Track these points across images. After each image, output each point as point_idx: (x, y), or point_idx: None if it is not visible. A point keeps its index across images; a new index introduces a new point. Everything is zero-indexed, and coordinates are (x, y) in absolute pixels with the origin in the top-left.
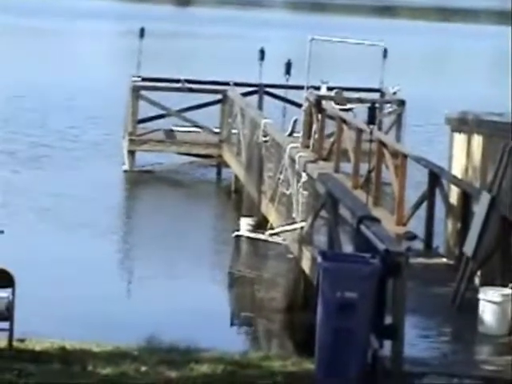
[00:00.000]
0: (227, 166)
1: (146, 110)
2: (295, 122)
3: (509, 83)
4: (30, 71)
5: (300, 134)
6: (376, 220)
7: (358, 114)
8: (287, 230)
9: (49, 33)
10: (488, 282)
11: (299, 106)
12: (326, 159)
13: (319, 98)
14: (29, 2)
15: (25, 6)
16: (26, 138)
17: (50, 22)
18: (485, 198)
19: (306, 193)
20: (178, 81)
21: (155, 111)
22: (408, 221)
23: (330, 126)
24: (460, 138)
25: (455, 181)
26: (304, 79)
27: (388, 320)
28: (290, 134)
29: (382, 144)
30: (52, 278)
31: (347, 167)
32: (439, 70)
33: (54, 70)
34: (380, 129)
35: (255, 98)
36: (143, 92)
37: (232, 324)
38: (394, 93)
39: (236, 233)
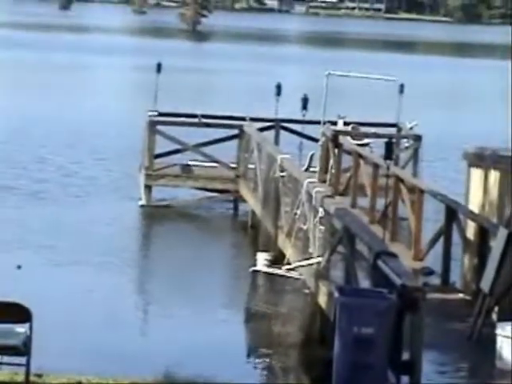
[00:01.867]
0: (244, 201)
1: (162, 144)
2: (312, 156)
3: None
4: (48, 106)
5: (317, 169)
6: (393, 255)
7: (375, 149)
8: (304, 265)
9: (67, 68)
10: (506, 317)
11: (316, 140)
12: (342, 194)
13: (336, 133)
14: (47, 37)
15: (43, 41)
16: (37, 175)
17: (67, 56)
18: (502, 234)
19: (322, 228)
20: (194, 116)
21: (172, 146)
22: (425, 256)
23: (347, 161)
24: (477, 173)
25: (472, 216)
26: (320, 114)
27: (405, 355)
28: (307, 169)
29: (399, 179)
30: (68, 313)
31: (364, 202)
32: (456, 105)
33: (71, 105)
34: (397, 164)
35: (272, 133)
36: (160, 127)
37: (249, 359)
38: (411, 128)
39: (253, 268)
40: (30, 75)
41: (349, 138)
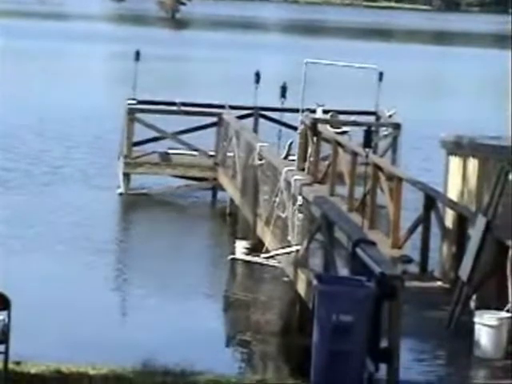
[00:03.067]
0: (222, 189)
1: (141, 132)
2: (290, 144)
3: (507, 106)
4: (24, 93)
5: (295, 157)
6: (371, 243)
7: (354, 137)
8: (283, 253)
9: (44, 55)
10: (483, 305)
11: (295, 128)
12: (321, 182)
13: (315, 121)
14: (24, 23)
15: (19, 28)
16: (19, 159)
17: (45, 43)
18: (480, 222)
19: (301, 216)
20: (173, 103)
21: (150, 134)
22: (403, 244)
23: (326, 149)
24: (456, 162)
25: (451, 204)
26: (299, 102)
27: (383, 343)
28: (286, 157)
29: (378, 167)
30: (46, 301)
31: (343, 190)
32: (435, 93)
33: (48, 92)
34: (375, 152)
35: (251, 120)
36: (138, 115)
37: (227, 347)
38: (390, 116)
39: (231, 256)
40: (8, 62)
41: (328, 126)
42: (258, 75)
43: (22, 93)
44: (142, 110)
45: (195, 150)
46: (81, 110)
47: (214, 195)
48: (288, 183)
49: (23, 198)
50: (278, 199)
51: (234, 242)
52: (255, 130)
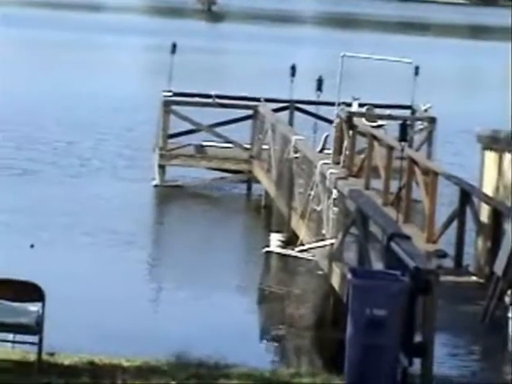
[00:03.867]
0: (257, 181)
1: (176, 124)
2: (326, 138)
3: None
4: (63, 85)
5: (331, 151)
6: (406, 237)
7: (389, 131)
8: (317, 247)
9: (80, 47)
10: None
11: (330, 122)
12: (356, 176)
13: (350, 115)
14: (60, 15)
15: (56, 20)
16: (54, 151)
17: (81, 36)
18: None
19: (336, 209)
20: (209, 96)
21: (186, 126)
22: (438, 238)
23: (361, 143)
24: (491, 156)
25: (486, 199)
26: (335, 96)
27: (418, 338)
28: (321, 151)
29: (413, 161)
30: (81, 293)
31: (378, 184)
32: (470, 88)
33: (85, 85)
34: (411, 146)
35: (286, 114)
36: (174, 107)
37: (261, 340)
38: (426, 110)
39: (266, 249)
40: (45, 54)
41: (363, 119)
42: (293, 68)
43: (55, 84)
44: (178, 103)
45: (230, 143)
46: (116, 102)
47: (249, 188)
48: (323, 176)
49: (56, 189)
50: (313, 192)
51: (269, 235)
52: (291, 123)
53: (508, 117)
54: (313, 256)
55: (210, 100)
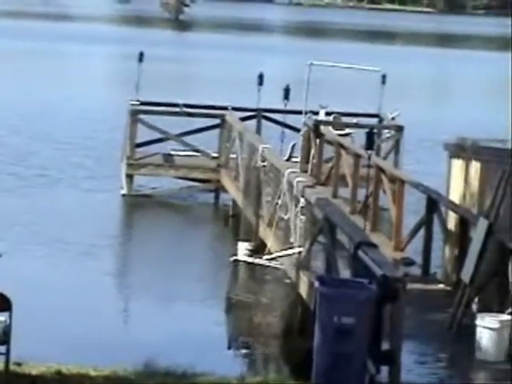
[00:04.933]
0: (225, 190)
1: (144, 133)
2: (293, 146)
3: (508, 109)
4: (27, 94)
5: (298, 159)
6: (373, 245)
7: (356, 139)
8: (285, 255)
9: (47, 56)
10: (485, 308)
11: (297, 130)
12: (324, 184)
13: (317, 123)
14: (27, 24)
15: (25, 30)
16: (20, 163)
17: (49, 45)
18: (482, 224)
19: (303, 218)
20: (176, 105)
21: (154, 135)
22: (406, 246)
23: (329, 151)
24: (458, 164)
25: (453, 207)
26: (302, 104)
27: (385, 345)
28: (288, 159)
29: (380, 169)
30: (48, 302)
31: (345, 192)
32: (438, 96)
33: (51, 94)
34: (378, 154)
35: (253, 122)
36: (141, 116)
37: (229, 348)
38: (393, 118)
39: (234, 257)
40: (10, 63)
41: (330, 128)
42: (261, 77)
43: (19, 94)
44: (145, 112)
45: (198, 152)
46: (82, 111)
47: (217, 197)
48: (290, 185)
49: (25, 200)
50: (280, 201)
51: (237, 244)
52: (258, 132)
53: (476, 125)
54: (280, 264)
55: (177, 109)
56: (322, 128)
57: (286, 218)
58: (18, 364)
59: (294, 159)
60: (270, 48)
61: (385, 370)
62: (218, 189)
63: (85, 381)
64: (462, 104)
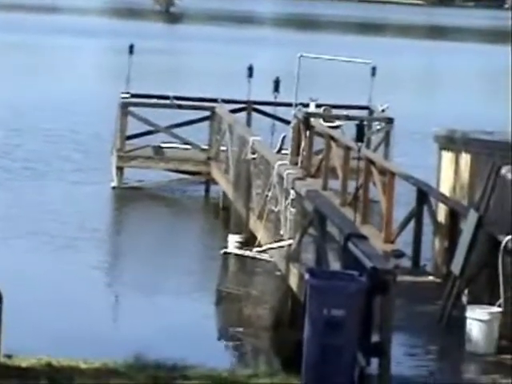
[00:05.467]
0: (215, 183)
1: (134, 126)
2: (283, 139)
3: (506, 100)
4: (18, 87)
5: (288, 151)
6: (364, 237)
7: (346, 132)
8: (275, 247)
9: (38, 49)
10: (475, 300)
11: (288, 123)
12: (314, 176)
13: (308, 116)
14: (17, 17)
15: (13, 22)
16: (13, 154)
17: (38, 37)
18: (472, 217)
19: (293, 210)
20: (166, 97)
21: (144, 127)
22: (396, 238)
23: (319, 143)
24: (448, 156)
25: (443, 199)
26: (292, 96)
27: (375, 338)
28: (279, 151)
29: (370, 161)
30: (38, 295)
31: (335, 184)
32: (428, 88)
33: (41, 86)
34: (368, 146)
35: (243, 114)
36: (132, 108)
37: (219, 341)
38: (383, 110)
39: (224, 250)
40: (1, 56)
41: (320, 120)
42: (251, 69)
43: (8, 86)
44: (136, 104)
45: (188, 144)
46: (72, 104)
47: (207, 189)
48: (281, 177)
49: (13, 194)
50: (270, 193)
51: (227, 236)
52: (248, 124)
53: (467, 116)
54: (271, 257)
55: (167, 101)
56: (312, 120)
57: (276, 210)
58: (8, 356)
59: (284, 151)
60: (260, 40)
61: (375, 362)
62: (209, 181)
63: (75, 373)
64: (452, 96)
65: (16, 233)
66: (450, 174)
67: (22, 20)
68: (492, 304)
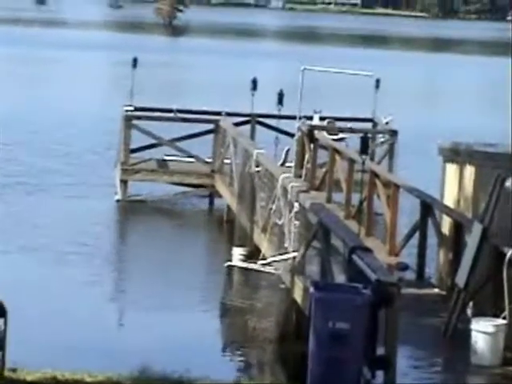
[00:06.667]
0: (220, 196)
1: (138, 139)
2: (287, 151)
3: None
4: (22, 100)
5: (292, 164)
6: (368, 250)
7: (350, 144)
8: (279, 260)
9: (43, 62)
10: (480, 312)
11: (292, 135)
12: (318, 189)
13: (312, 128)
14: (22, 31)
15: (19, 36)
16: (17, 167)
17: (43, 51)
18: (476, 229)
19: (298, 223)
20: (170, 110)
21: (148, 141)
22: (400, 251)
23: (323, 156)
24: (452, 169)
25: (447, 211)
26: (296, 109)
27: (380, 350)
28: (283, 164)
29: (374, 174)
30: (43, 308)
31: (339, 197)
32: (432, 100)
33: (45, 99)
34: (372, 159)
35: (247, 127)
36: (136, 121)
37: (224, 354)
38: (387, 123)
39: (228, 263)
40: (5, 69)
41: (324, 132)
42: (254, 82)
43: (12, 100)
44: (139, 117)
45: (192, 157)
46: (77, 117)
47: (211, 202)
48: (285, 190)
49: (17, 207)
50: (274, 206)
51: (231, 249)
52: (252, 137)
53: (471, 129)
54: (275, 270)
55: (171, 114)
56: (316, 133)
57: (280, 223)
58: (13, 370)
59: (288, 164)
60: (263, 53)
61: (380, 374)
62: (213, 194)
63: None
64: (455, 108)
65: (21, 247)
66: (454, 187)
67: (25, 33)
68: (497, 316)
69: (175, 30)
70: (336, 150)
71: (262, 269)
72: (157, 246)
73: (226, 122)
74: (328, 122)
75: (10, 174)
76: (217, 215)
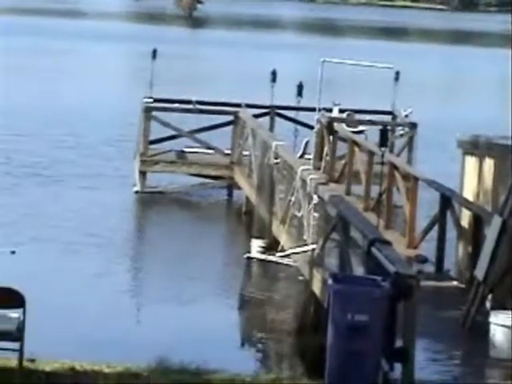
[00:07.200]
0: (238, 187)
1: (157, 130)
2: (307, 143)
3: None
4: (42, 91)
5: (311, 156)
6: (387, 243)
7: (370, 137)
8: (298, 252)
9: (62, 53)
10: (499, 305)
11: (311, 127)
12: (337, 181)
13: (331, 120)
14: (43, 22)
15: (39, 27)
16: (32, 159)
17: (63, 42)
18: (496, 222)
19: (317, 215)
20: (189, 102)
21: (167, 132)
22: (419, 244)
23: (342, 148)
24: (472, 161)
25: (466, 204)
26: (316, 101)
27: (398, 343)
28: (302, 156)
29: (394, 166)
30: (62, 299)
31: (358, 189)
32: (451, 93)
33: (66, 91)
34: (392, 151)
35: (267, 119)
36: (155, 113)
37: (242, 346)
38: (406, 115)
39: (247, 255)
40: (25, 61)
41: (344, 125)
42: (274, 74)
43: (33, 91)
44: (159, 109)
45: (211, 149)
46: (97, 108)
47: (230, 194)
48: (304, 182)
49: (39, 196)
50: (293, 198)
51: (250, 241)
52: (271, 129)
53: (490, 122)
54: (294, 262)
55: (190, 106)
56: (336, 125)
57: (299, 215)
58: (32, 360)
59: (307, 156)
60: (283, 45)
61: (398, 367)
62: (231, 186)
63: (98, 377)
64: (475, 101)
65: (44, 237)
66: (473, 179)
67: (45, 25)
68: None
69: (195, 22)
70: (355, 142)
71: (281, 261)
72: (175, 237)
73: (245, 114)
74: (347, 115)
75: (26, 164)
76: (235, 207)
